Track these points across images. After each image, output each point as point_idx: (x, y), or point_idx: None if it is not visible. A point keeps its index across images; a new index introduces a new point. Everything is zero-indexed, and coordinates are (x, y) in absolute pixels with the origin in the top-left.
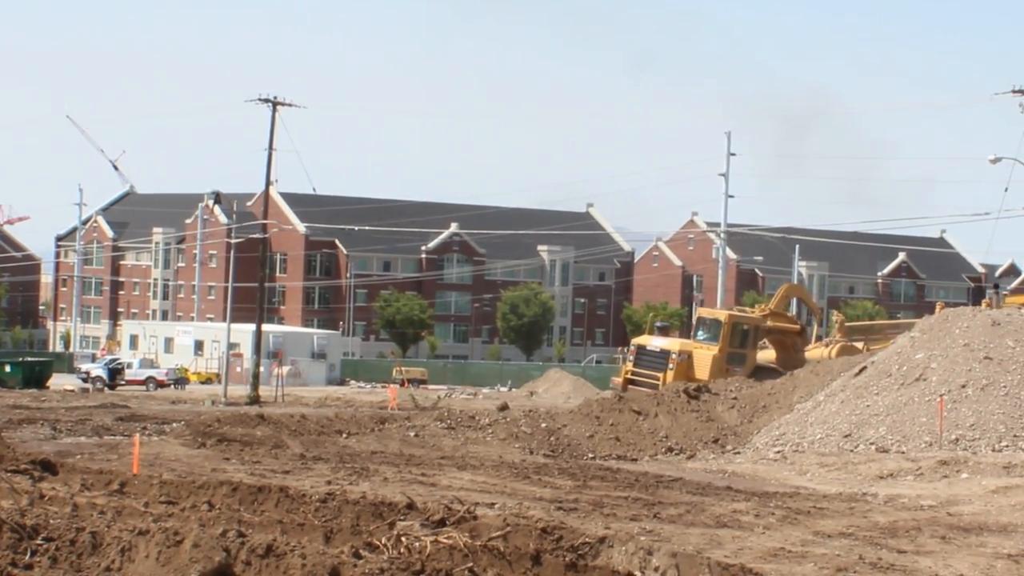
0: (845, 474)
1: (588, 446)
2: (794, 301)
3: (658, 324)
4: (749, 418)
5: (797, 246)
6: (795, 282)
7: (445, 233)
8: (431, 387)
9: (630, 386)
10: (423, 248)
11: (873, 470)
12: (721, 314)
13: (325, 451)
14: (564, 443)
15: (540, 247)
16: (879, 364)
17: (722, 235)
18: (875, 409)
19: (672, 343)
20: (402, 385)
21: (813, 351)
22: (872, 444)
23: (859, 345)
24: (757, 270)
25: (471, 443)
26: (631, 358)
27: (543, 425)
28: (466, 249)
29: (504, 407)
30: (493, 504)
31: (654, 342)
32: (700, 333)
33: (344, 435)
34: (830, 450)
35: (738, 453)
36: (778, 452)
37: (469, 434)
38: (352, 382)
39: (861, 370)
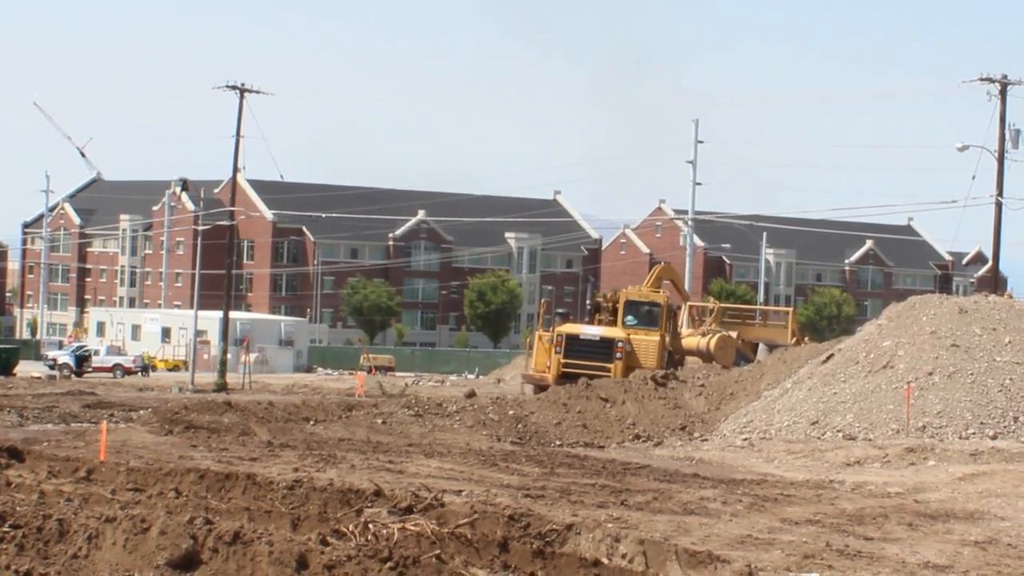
0: (812, 461)
1: (555, 433)
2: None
3: (559, 311)
4: (716, 405)
5: (764, 233)
6: (760, 270)
7: (412, 220)
8: (398, 374)
9: (564, 380)
10: (390, 235)
11: (840, 457)
12: (657, 296)
13: (292, 438)
14: (531, 430)
15: (507, 234)
16: (846, 351)
17: (689, 222)
18: (842, 396)
19: (612, 331)
20: (369, 372)
21: (689, 338)
22: (839, 431)
23: (733, 334)
24: (725, 257)
25: (438, 430)
26: (558, 349)
27: (510, 412)
28: (433, 236)
29: (471, 394)
30: (460, 491)
31: (587, 331)
32: (629, 318)
33: (311, 422)
34: (797, 437)
35: (705, 440)
36: (745, 439)
37: (436, 421)
38: (319, 369)
39: (828, 357)
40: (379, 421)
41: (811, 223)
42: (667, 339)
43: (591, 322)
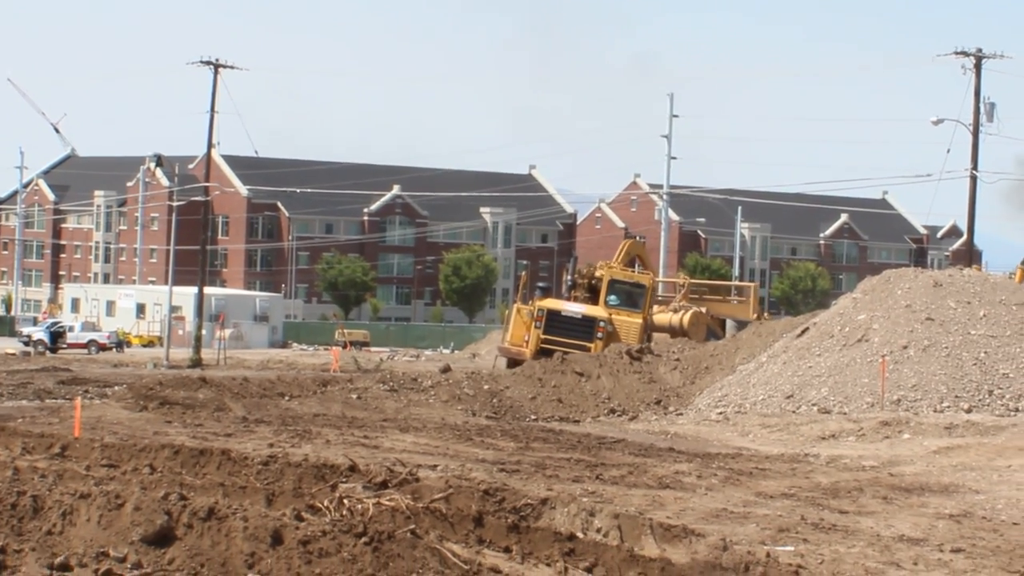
0: (787, 435)
1: (530, 408)
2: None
3: (541, 285)
4: (691, 379)
5: (740, 207)
6: (735, 244)
7: (387, 195)
8: (373, 349)
9: (541, 355)
10: (365, 211)
11: (815, 431)
12: (643, 277)
13: (267, 414)
14: (506, 405)
15: (483, 209)
16: (821, 325)
17: (664, 196)
18: (817, 370)
19: (595, 310)
20: (344, 347)
21: (660, 315)
22: (814, 405)
23: (703, 310)
24: (700, 232)
25: (413, 405)
26: (538, 324)
27: (485, 387)
28: (408, 211)
29: (446, 369)
30: (435, 466)
31: (569, 307)
32: (612, 298)
33: (286, 398)
34: (772, 411)
35: (680, 414)
36: (720, 413)
37: (411, 396)
38: (294, 345)
39: (803, 331)
40: (354, 396)
41: (786, 197)
42: (648, 320)
43: (568, 298)
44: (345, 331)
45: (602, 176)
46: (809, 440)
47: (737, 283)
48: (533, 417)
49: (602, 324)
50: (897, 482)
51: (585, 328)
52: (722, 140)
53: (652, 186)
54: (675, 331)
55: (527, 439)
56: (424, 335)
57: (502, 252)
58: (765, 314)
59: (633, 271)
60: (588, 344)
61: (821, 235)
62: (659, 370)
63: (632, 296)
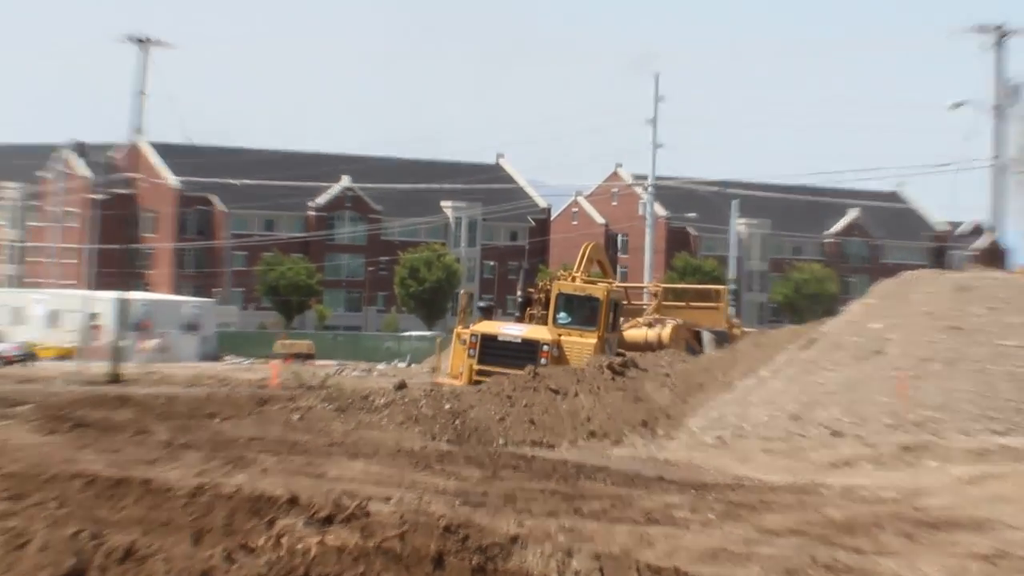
0: (794, 462)
1: (499, 430)
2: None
3: (480, 305)
4: (683, 398)
5: (735, 201)
6: (732, 241)
7: (336, 187)
8: (319, 363)
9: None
10: (311, 204)
11: (826, 457)
12: (597, 290)
13: (196, 437)
14: (471, 427)
15: (444, 203)
16: (830, 335)
17: (649, 189)
18: (827, 387)
19: (538, 331)
20: (285, 361)
21: (633, 330)
22: (824, 427)
23: (679, 321)
24: (690, 228)
25: (364, 427)
26: (472, 352)
27: (447, 406)
28: (359, 205)
29: (402, 385)
30: (389, 498)
31: (507, 330)
32: (562, 315)
33: (218, 419)
34: (776, 434)
35: (671, 438)
36: (717, 437)
37: (362, 417)
38: (229, 357)
39: (810, 342)
40: (296, 417)
41: (787, 189)
42: (607, 339)
43: (521, 319)
44: (287, 342)
45: (579, 166)
46: (819, 468)
47: (706, 287)
48: (502, 441)
49: (546, 348)
50: (922, 516)
51: (526, 354)
52: (715, 125)
53: (636, 177)
54: (652, 349)
55: (495, 467)
56: (376, 346)
57: (466, 252)
58: (735, 320)
59: (595, 280)
60: None
61: (827, 232)
62: (646, 387)
63: (587, 312)
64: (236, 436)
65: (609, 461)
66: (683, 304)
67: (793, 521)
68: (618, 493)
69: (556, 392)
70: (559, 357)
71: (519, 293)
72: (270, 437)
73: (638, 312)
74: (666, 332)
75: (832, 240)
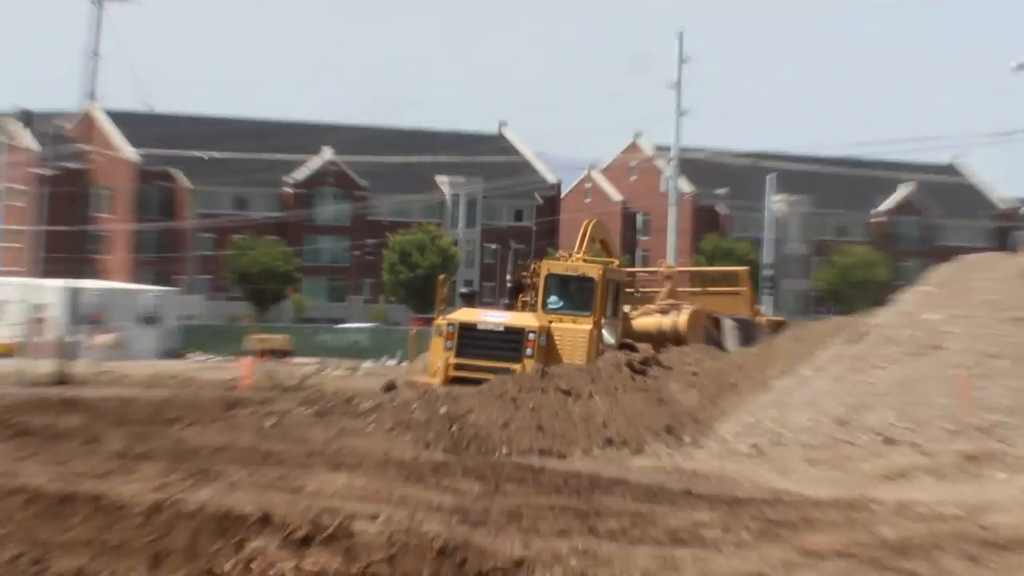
0: (840, 473)
1: (502, 437)
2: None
3: (463, 291)
4: (713, 399)
5: (771, 176)
6: (768, 220)
7: (316, 161)
8: (296, 360)
9: (455, 384)
10: (287, 180)
11: (877, 467)
12: (591, 268)
13: (154, 447)
14: (470, 434)
15: (439, 178)
16: (882, 328)
17: (673, 161)
18: (879, 387)
19: (523, 318)
20: (258, 358)
21: (644, 318)
22: (875, 433)
23: (697, 307)
24: (720, 207)
25: (348, 435)
26: (449, 344)
27: (442, 410)
28: (343, 181)
29: (391, 387)
30: (376, 516)
31: (488, 317)
32: (552, 299)
33: (180, 425)
34: (820, 441)
35: (699, 446)
36: (752, 444)
37: (345, 423)
38: (193, 355)
39: (859, 336)
40: (269, 423)
41: (831, 162)
42: (607, 325)
43: (511, 307)
44: (260, 336)
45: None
46: (869, 480)
47: (727, 268)
48: (505, 450)
49: (532, 336)
50: (988, 536)
51: (510, 344)
52: (748, 89)
53: (658, 148)
54: (667, 339)
55: (497, 479)
56: (362, 341)
57: (464, 233)
58: (760, 308)
59: (595, 260)
60: (514, 366)
61: (877, 210)
62: (670, 387)
63: (580, 294)
64: (201, 445)
65: (628, 472)
66: (700, 289)
67: (840, 541)
68: (639, 509)
69: (568, 393)
70: (548, 347)
71: (508, 277)
72: (240, 446)
73: (652, 300)
74: (682, 319)
75: (882, 219)
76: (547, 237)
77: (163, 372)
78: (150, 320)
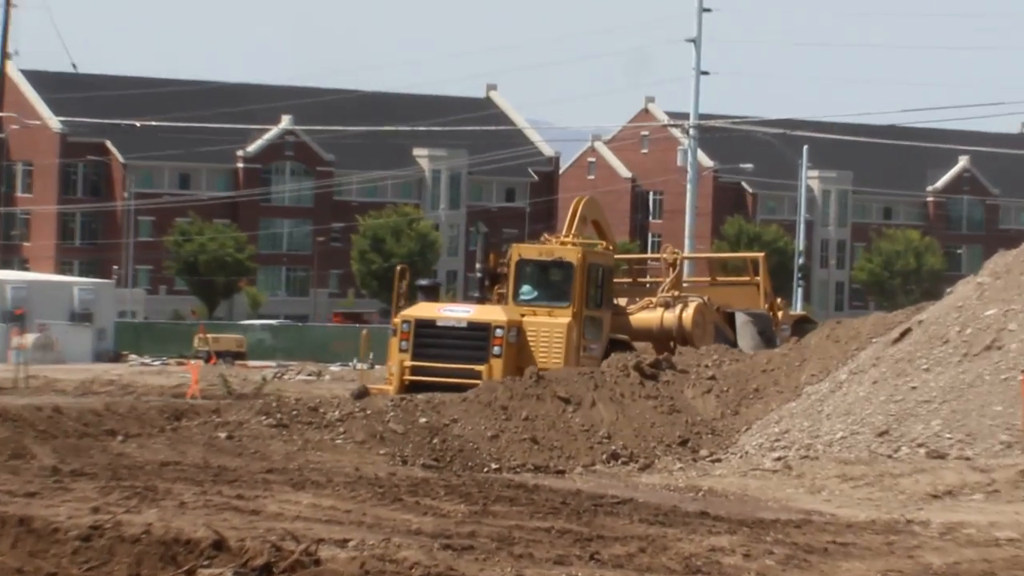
0: (880, 491)
1: (491, 451)
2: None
3: (422, 283)
4: (734, 408)
5: (805, 148)
6: (801, 200)
7: (273, 130)
8: (252, 363)
9: (411, 392)
10: (239, 154)
11: (922, 485)
12: (568, 252)
13: (90, 462)
14: (454, 447)
15: (417, 151)
16: (930, 325)
17: (691, 131)
18: (925, 393)
19: (489, 311)
20: (208, 361)
21: (644, 313)
22: (921, 446)
23: (705, 299)
24: (745, 184)
25: (313, 448)
26: (404, 344)
27: (422, 420)
28: (304, 154)
29: (363, 393)
30: (346, 541)
31: (449, 312)
32: (525, 289)
33: (120, 437)
34: (857, 455)
35: (718, 460)
36: (779, 459)
37: (310, 434)
38: (132, 357)
39: (903, 334)
40: (222, 435)
41: (874, 132)
42: (591, 318)
43: (483, 299)
44: (209, 336)
45: (597, 102)
46: (914, 499)
47: (741, 255)
48: (495, 466)
49: (499, 333)
50: None
51: (475, 343)
52: (777, 47)
53: (672, 116)
54: (670, 336)
55: (485, 499)
56: (328, 341)
57: (447, 216)
58: (779, 301)
59: (576, 243)
60: (478, 368)
61: (928, 188)
62: (685, 393)
63: (557, 283)
64: (144, 460)
65: (636, 491)
66: (708, 279)
67: (879, 569)
68: (648, 533)
69: (566, 401)
70: (520, 345)
71: (478, 266)
72: (188, 461)
73: (655, 292)
74: (687, 314)
75: (934, 199)
76: (543, 220)
77: (99, 377)
78: (82, 317)
